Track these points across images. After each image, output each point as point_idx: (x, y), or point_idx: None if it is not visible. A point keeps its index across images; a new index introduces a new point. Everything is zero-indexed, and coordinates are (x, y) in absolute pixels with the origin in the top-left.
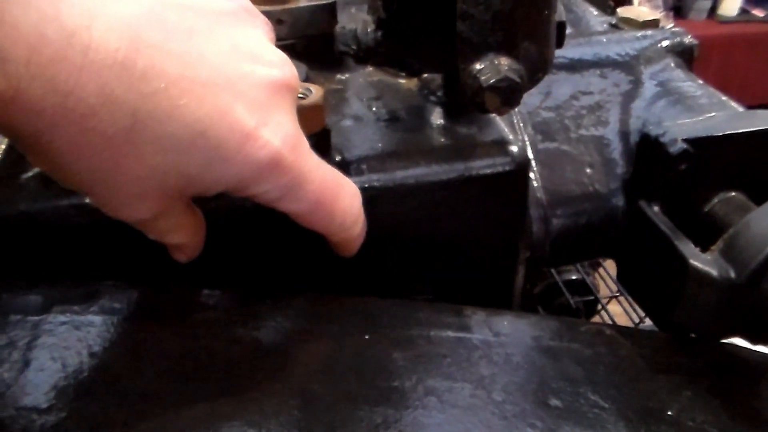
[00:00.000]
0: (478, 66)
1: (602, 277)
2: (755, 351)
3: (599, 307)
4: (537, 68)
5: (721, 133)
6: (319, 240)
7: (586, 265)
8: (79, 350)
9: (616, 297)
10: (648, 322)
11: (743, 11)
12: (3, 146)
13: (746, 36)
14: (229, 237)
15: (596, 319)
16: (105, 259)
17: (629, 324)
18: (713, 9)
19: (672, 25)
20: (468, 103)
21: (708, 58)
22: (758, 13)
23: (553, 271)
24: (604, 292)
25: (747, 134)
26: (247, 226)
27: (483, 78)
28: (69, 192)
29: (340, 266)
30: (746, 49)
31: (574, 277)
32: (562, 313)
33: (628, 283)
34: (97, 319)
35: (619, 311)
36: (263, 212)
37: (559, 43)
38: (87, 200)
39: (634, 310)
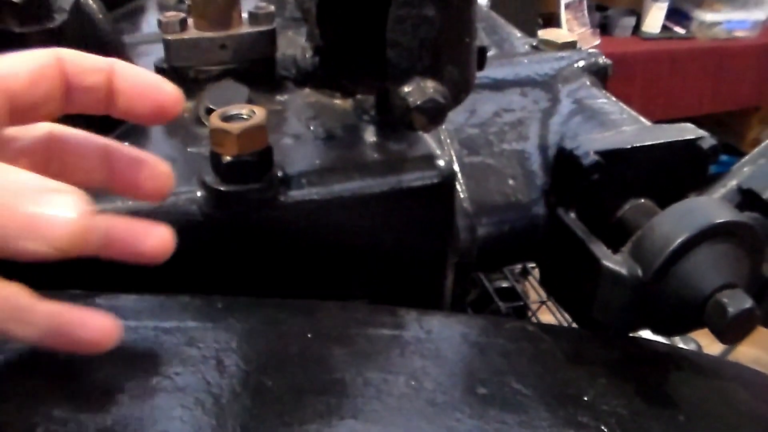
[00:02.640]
0: (406, 89)
1: (532, 285)
2: (661, 342)
3: (529, 313)
4: (460, 89)
5: (629, 146)
6: (266, 249)
7: (517, 273)
8: None
9: (544, 303)
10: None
11: (665, 28)
12: None
13: (669, 52)
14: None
15: None
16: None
17: None
18: (637, 26)
19: (598, 42)
20: (398, 122)
21: (632, 73)
22: (680, 30)
23: (484, 279)
24: (534, 298)
25: (652, 146)
26: (197, 240)
27: (411, 99)
28: None
29: (286, 271)
30: (669, 65)
31: (505, 285)
32: None
33: (550, 286)
34: None
35: (549, 318)
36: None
37: (480, 66)
38: None
39: (562, 316)
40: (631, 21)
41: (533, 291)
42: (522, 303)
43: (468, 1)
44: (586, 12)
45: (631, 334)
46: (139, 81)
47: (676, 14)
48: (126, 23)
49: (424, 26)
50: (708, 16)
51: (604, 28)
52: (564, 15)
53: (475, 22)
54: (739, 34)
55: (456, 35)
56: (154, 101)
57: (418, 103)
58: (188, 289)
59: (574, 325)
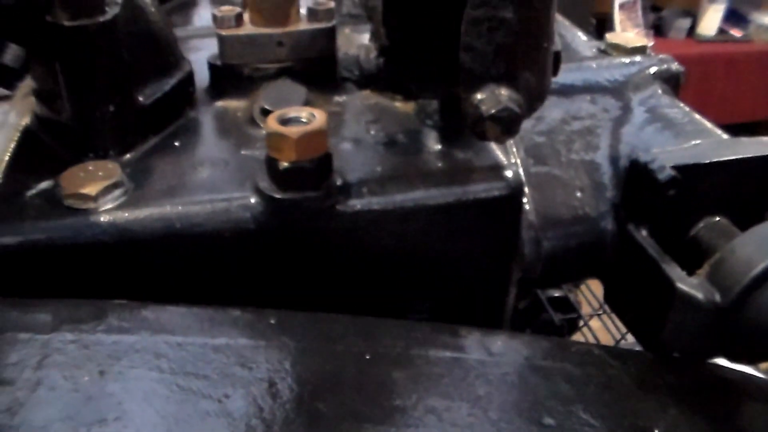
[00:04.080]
0: (479, 96)
1: (584, 295)
2: (737, 370)
3: (581, 323)
4: (535, 98)
5: (708, 161)
6: (322, 261)
7: (569, 283)
8: (89, 369)
9: (598, 314)
10: (630, 338)
11: (721, 31)
12: (7, 157)
13: (724, 55)
14: (234, 261)
15: (578, 334)
16: (114, 277)
17: (610, 340)
18: (692, 28)
19: (651, 43)
20: (469, 131)
21: (687, 76)
22: (736, 33)
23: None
24: (585, 309)
25: (732, 162)
26: (248, 249)
27: (484, 108)
28: (76, 210)
29: (342, 285)
30: (724, 68)
31: (557, 294)
32: (545, 328)
33: (614, 303)
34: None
35: (600, 327)
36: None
37: (555, 72)
38: (94, 218)
39: (616, 327)
40: (687, 22)
41: (585, 301)
42: (576, 314)
43: (548, 1)
44: (640, 13)
45: (703, 361)
46: None
47: (733, 16)
48: (177, 16)
49: (501, 30)
50: (767, 19)
51: (658, 29)
52: (618, 15)
53: (554, 25)
54: None
55: (534, 40)
56: None
57: (492, 112)
58: (239, 301)
59: (630, 338)
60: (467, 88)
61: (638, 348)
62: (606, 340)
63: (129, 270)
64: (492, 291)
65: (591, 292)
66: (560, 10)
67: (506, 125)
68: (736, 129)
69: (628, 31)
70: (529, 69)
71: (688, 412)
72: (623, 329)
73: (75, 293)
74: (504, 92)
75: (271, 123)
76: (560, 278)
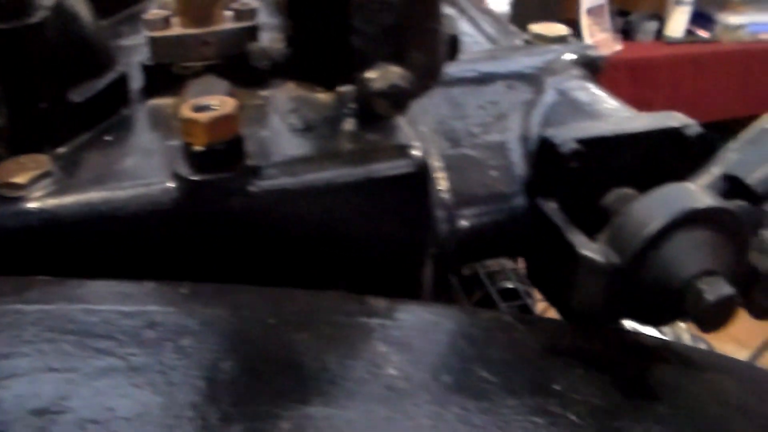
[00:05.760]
0: (369, 75)
1: None
2: (648, 334)
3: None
4: (426, 75)
5: (610, 134)
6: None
7: (523, 275)
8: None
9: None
10: None
11: (689, 32)
12: None
13: (692, 56)
14: (156, 241)
15: None
16: (43, 260)
17: None
18: (660, 31)
19: (620, 47)
20: (362, 107)
21: (656, 78)
22: (703, 34)
23: (487, 281)
24: (540, 298)
25: (634, 134)
26: (169, 229)
27: (373, 85)
28: (7, 198)
29: (258, 263)
30: (693, 69)
31: (510, 286)
32: None
33: (536, 279)
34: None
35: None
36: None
37: (453, 55)
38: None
39: None
40: (654, 25)
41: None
42: (523, 302)
43: None
44: (607, 17)
45: (622, 328)
46: None
47: (699, 18)
48: (126, 26)
49: (384, 12)
50: (732, 19)
51: (626, 33)
52: (585, 20)
53: (441, 9)
54: (764, 36)
55: (419, 21)
56: None
57: (381, 88)
58: (162, 279)
59: None
60: (359, 69)
61: None
62: None
63: (58, 253)
64: (407, 267)
65: None
66: (528, 16)
67: (395, 101)
68: (707, 128)
69: (596, 35)
70: (417, 48)
71: (595, 372)
72: None
73: (5, 275)
74: (394, 70)
75: (185, 111)
76: (478, 255)
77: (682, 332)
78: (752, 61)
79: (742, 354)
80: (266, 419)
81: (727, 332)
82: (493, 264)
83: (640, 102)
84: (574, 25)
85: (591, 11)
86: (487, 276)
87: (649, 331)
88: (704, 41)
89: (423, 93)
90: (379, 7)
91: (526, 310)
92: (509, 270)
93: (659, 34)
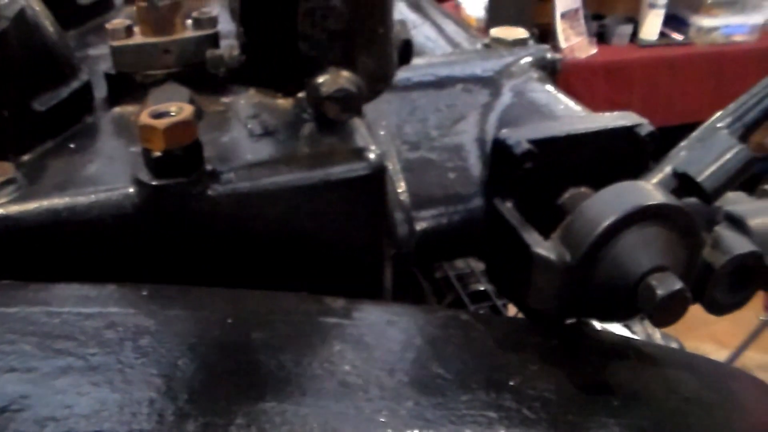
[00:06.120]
0: (319, 79)
1: None
2: (609, 331)
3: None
4: (377, 79)
5: (562, 134)
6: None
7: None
8: None
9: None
10: None
11: (663, 35)
12: None
13: (667, 58)
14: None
15: None
16: (7, 265)
17: None
18: (635, 34)
19: (595, 50)
20: (314, 111)
21: (631, 81)
22: (677, 36)
23: (457, 283)
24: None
25: (586, 134)
26: (130, 233)
27: (323, 89)
28: None
29: (219, 266)
30: (668, 71)
31: (482, 288)
32: None
33: (494, 278)
34: None
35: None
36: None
37: (406, 60)
38: None
39: None
40: (629, 29)
41: None
42: (493, 303)
43: None
44: (582, 21)
45: (583, 326)
46: None
47: (673, 20)
48: (94, 36)
49: (331, 18)
50: (705, 22)
51: (601, 36)
52: (560, 25)
53: (391, 14)
54: (738, 38)
55: (368, 26)
56: None
57: (330, 92)
58: (124, 281)
59: None
60: (309, 73)
61: None
62: None
63: (21, 258)
64: (367, 268)
65: None
66: (503, 21)
67: (344, 104)
68: (683, 130)
69: (571, 40)
70: (366, 53)
71: (550, 367)
72: None
73: None
74: (343, 75)
75: (143, 117)
76: (438, 255)
77: (654, 331)
78: (726, 63)
79: (721, 354)
80: (221, 415)
81: (706, 333)
82: (465, 267)
83: (615, 104)
84: (549, 29)
85: (566, 15)
86: (458, 279)
87: (618, 330)
88: (678, 44)
89: (374, 97)
90: (327, 13)
91: (496, 311)
92: (480, 272)
93: (634, 37)
